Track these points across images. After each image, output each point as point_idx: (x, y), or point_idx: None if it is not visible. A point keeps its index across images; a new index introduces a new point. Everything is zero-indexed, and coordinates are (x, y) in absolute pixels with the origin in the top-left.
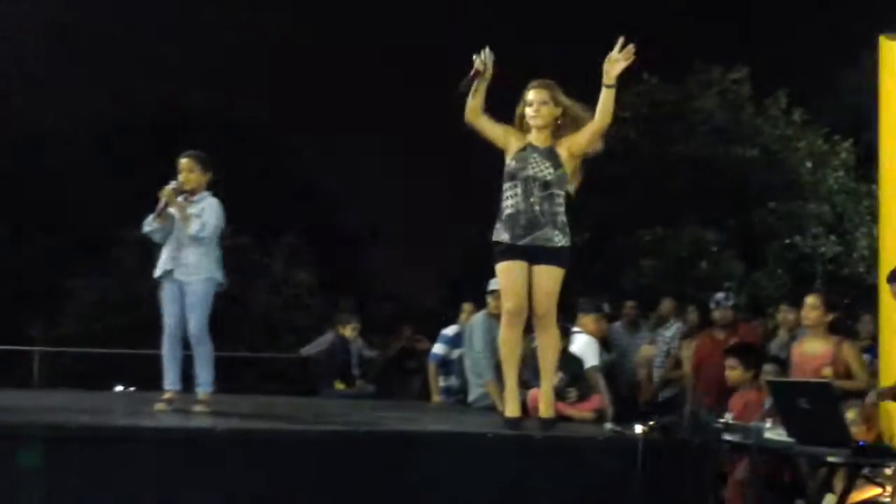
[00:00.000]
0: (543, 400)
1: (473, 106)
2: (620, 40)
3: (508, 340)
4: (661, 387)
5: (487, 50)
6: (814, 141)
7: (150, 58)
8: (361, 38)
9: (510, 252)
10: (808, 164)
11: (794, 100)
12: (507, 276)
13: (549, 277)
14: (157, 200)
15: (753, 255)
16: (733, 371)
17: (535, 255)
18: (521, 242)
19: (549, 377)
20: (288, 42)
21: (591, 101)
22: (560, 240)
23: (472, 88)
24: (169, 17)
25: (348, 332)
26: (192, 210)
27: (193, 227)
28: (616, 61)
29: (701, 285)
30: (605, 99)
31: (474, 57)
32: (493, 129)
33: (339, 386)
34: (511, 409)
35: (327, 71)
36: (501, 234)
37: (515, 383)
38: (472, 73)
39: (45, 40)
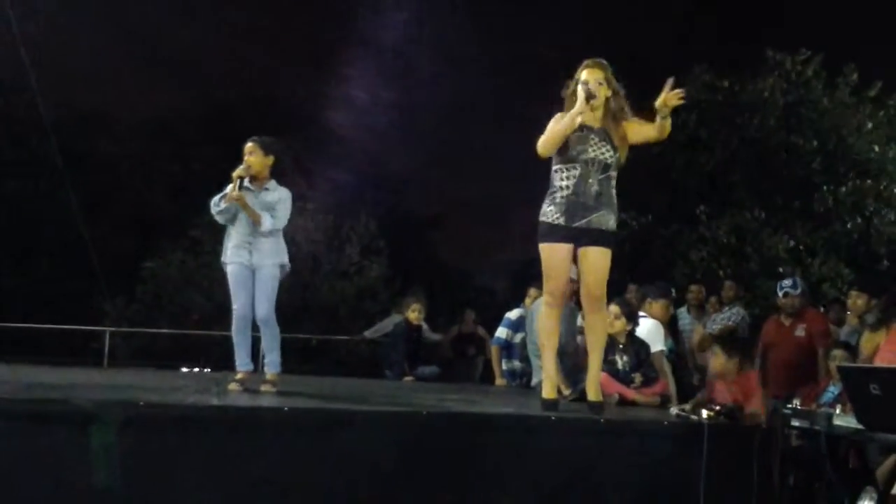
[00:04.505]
0: (591, 383)
1: (557, 138)
2: (670, 81)
3: (547, 322)
4: None
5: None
6: (884, 115)
7: (213, 48)
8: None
9: (557, 233)
10: (876, 147)
11: (863, 76)
12: (551, 257)
13: (602, 259)
14: (228, 183)
15: (810, 239)
16: (716, 359)
17: (586, 236)
18: (577, 224)
19: (598, 360)
20: (350, 30)
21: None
22: (613, 222)
23: (579, 110)
24: (232, 7)
25: (412, 315)
26: (268, 198)
27: (266, 224)
28: (664, 103)
29: (751, 272)
30: (662, 122)
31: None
32: (559, 132)
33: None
34: (547, 391)
35: (389, 59)
36: (553, 215)
37: (554, 365)
38: (586, 94)
39: (112, 31)
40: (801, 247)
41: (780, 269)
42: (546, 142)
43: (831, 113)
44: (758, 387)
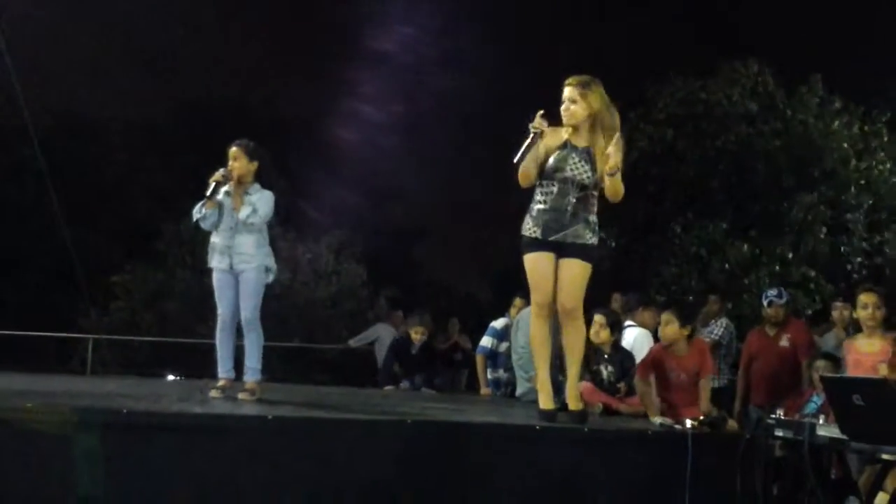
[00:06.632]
0: (570, 392)
1: (529, 171)
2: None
3: (538, 332)
4: None
5: (540, 114)
6: (849, 126)
7: (196, 54)
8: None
9: (538, 244)
10: (838, 150)
11: (831, 87)
12: (534, 267)
13: (576, 270)
14: (206, 188)
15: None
16: (670, 327)
17: (563, 249)
18: (552, 238)
19: (576, 370)
20: (333, 38)
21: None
22: (590, 237)
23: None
24: (215, 15)
25: (415, 336)
26: (249, 199)
27: (244, 211)
28: (608, 155)
29: (713, 283)
30: (612, 184)
31: (531, 125)
32: (526, 169)
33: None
34: (544, 402)
35: (371, 66)
36: (531, 228)
37: (547, 375)
38: (530, 139)
39: (97, 36)
40: (764, 257)
41: (746, 281)
42: (520, 177)
43: (797, 120)
44: (707, 348)
